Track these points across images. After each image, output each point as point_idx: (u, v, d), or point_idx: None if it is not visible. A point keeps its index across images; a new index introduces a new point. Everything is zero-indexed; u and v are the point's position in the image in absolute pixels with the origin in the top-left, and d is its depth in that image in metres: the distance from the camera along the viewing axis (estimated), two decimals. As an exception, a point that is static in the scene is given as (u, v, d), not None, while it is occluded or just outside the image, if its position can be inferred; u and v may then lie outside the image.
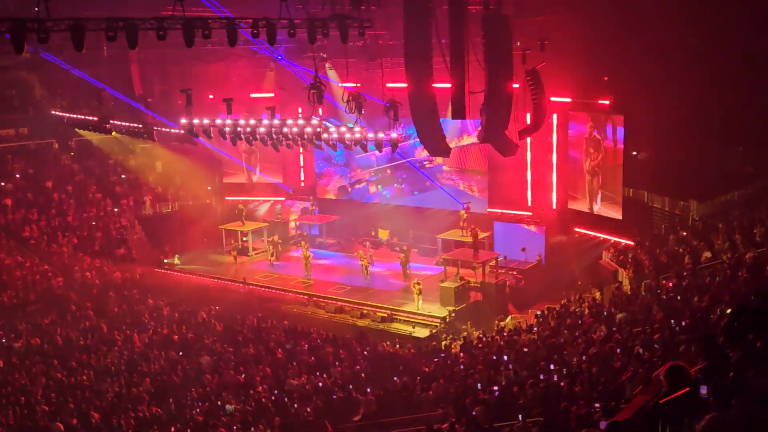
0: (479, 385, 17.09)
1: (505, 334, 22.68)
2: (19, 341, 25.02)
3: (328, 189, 38.02)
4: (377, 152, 24.93)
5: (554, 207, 31.55)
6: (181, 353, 23.68)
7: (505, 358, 19.19)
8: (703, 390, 5.84)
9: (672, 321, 16.70)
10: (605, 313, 20.66)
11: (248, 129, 26.60)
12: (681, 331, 15.70)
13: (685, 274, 21.11)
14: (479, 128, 22.14)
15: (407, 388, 19.05)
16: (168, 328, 25.75)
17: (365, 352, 22.97)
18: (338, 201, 37.55)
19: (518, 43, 25.31)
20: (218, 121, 26.70)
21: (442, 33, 20.19)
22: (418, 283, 27.51)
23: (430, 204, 34.94)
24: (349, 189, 37.39)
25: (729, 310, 13.91)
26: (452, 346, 23.35)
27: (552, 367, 16.79)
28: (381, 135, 23.33)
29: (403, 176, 35.75)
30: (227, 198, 38.71)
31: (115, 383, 21.68)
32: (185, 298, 29.31)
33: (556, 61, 25.81)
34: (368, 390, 19.75)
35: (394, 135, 22.86)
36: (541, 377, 16.13)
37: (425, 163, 34.64)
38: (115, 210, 36.28)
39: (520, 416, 13.33)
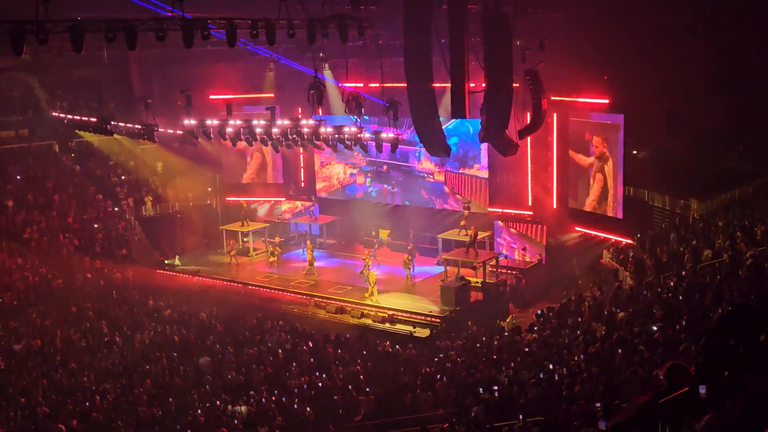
0: (480, 384, 17.11)
1: (505, 333, 22.67)
2: (20, 343, 24.99)
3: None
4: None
5: (555, 206, 31.52)
6: (176, 354, 23.62)
7: (506, 357, 19.20)
8: (703, 389, 5.85)
9: (672, 320, 16.68)
10: (606, 313, 20.65)
11: (247, 130, 26.64)
12: (681, 330, 15.68)
13: (685, 273, 21.08)
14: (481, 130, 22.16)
15: (408, 388, 19.04)
16: (169, 329, 25.74)
17: (365, 352, 22.96)
18: (338, 201, 37.46)
19: (518, 43, 25.35)
20: (217, 122, 26.73)
21: (442, 32, 20.23)
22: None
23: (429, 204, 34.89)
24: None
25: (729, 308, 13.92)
26: (453, 346, 23.33)
27: (552, 366, 16.80)
28: (386, 135, 23.17)
29: (398, 178, 35.49)
30: (228, 198, 38.71)
31: (115, 384, 21.65)
32: (186, 299, 29.26)
33: (556, 60, 25.82)
34: (368, 390, 19.74)
35: (391, 134, 22.82)
36: (542, 377, 16.14)
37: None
38: (116, 210, 36.29)
39: (520, 416, 13.33)
